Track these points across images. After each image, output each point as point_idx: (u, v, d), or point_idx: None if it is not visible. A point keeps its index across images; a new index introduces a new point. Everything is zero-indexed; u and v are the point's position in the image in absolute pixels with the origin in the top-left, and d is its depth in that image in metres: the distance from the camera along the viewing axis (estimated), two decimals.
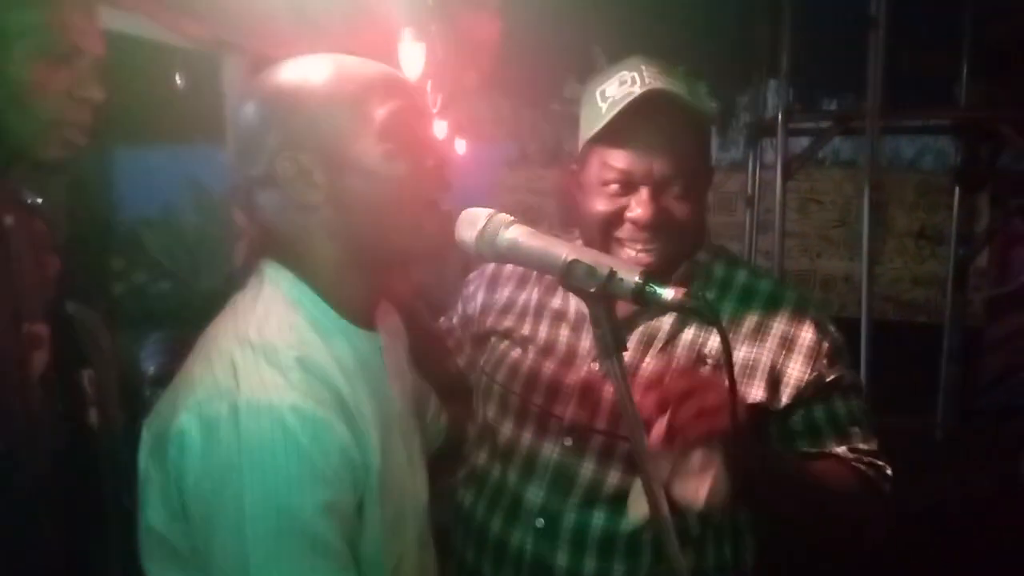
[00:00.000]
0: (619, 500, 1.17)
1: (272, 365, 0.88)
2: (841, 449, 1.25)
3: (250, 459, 0.83)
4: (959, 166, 4.85)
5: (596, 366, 1.23)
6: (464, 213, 0.95)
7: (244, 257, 2.56)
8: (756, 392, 1.20)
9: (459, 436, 1.38)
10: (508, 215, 0.93)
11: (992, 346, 4.90)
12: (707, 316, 0.84)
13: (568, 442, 1.23)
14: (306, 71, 0.96)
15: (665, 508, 0.93)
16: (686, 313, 0.85)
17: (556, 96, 5.87)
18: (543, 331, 1.31)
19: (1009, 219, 4.61)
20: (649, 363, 1.22)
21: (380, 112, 0.93)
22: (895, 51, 3.86)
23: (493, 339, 1.35)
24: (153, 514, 0.91)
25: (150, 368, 2.11)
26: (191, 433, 0.85)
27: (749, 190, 4.85)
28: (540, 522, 1.23)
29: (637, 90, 1.14)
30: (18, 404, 1.22)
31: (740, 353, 1.20)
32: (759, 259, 4.84)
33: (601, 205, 1.18)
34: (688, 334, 1.23)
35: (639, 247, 1.18)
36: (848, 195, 5.58)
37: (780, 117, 4.09)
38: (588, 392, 1.23)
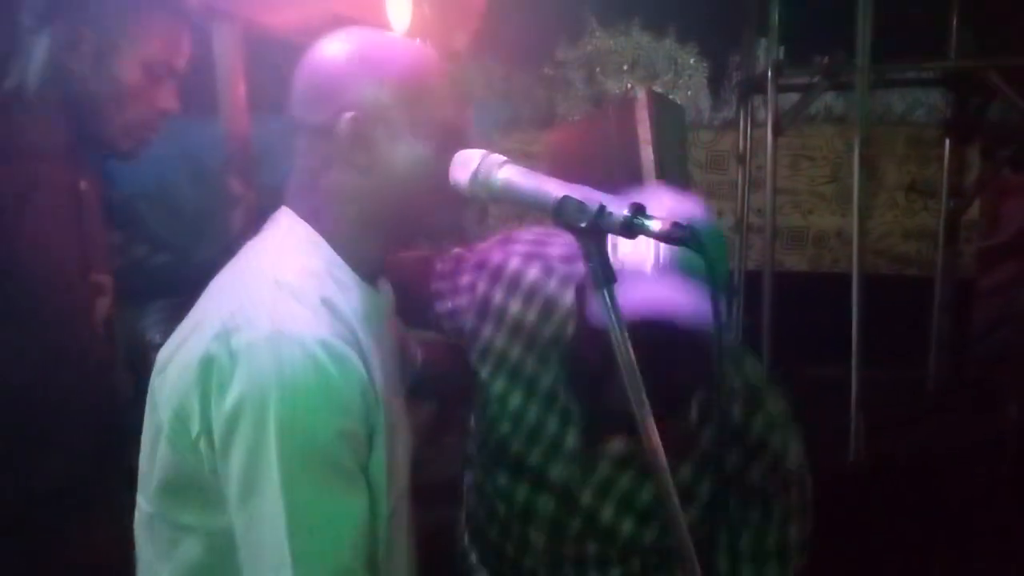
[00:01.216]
0: None
1: (299, 302, 0.95)
2: None
3: (280, 384, 0.89)
4: (949, 118, 4.86)
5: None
6: (457, 155, 0.99)
7: (240, 226, 2.58)
8: None
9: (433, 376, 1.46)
10: (501, 155, 0.97)
11: (983, 297, 4.94)
12: (693, 244, 0.87)
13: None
14: (402, 50, 1.07)
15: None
16: (673, 242, 0.88)
17: (548, 59, 5.85)
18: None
19: (999, 170, 4.62)
20: None
21: (444, 114, 1.04)
22: (884, 4, 3.85)
23: (492, 374, 1.38)
24: (168, 448, 0.97)
25: (155, 336, 2.16)
26: (221, 359, 0.91)
27: (740, 148, 4.86)
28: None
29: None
30: (84, 345, 1.37)
31: None
32: (751, 216, 4.86)
33: None
34: None
35: None
36: (839, 151, 5.57)
37: (770, 73, 4.08)
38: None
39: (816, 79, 4.24)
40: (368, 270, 1.08)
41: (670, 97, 6.54)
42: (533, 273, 1.38)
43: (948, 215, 4.86)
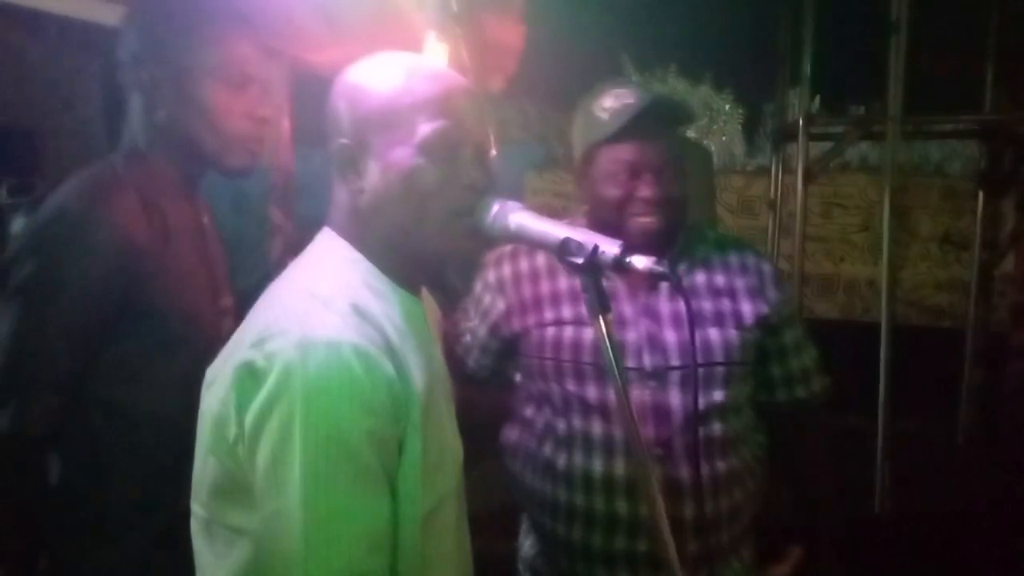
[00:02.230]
0: (708, 414, 1.50)
1: (329, 310, 0.99)
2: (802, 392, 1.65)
3: (306, 384, 0.93)
4: (983, 171, 4.85)
5: (646, 321, 1.53)
6: (479, 204, 1.11)
7: (279, 254, 2.66)
8: (760, 307, 1.57)
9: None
10: (516, 202, 1.09)
11: (1017, 352, 4.88)
12: (671, 280, 1.03)
13: (652, 383, 1.50)
14: (379, 71, 1.10)
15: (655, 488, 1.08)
16: (656, 278, 1.04)
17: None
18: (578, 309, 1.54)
19: None
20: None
21: (425, 128, 1.05)
22: (918, 55, 3.88)
23: (537, 330, 1.57)
24: (213, 456, 1.00)
25: None
26: (255, 365, 0.96)
27: (772, 194, 4.89)
28: (658, 451, 1.47)
29: (632, 101, 1.49)
30: None
31: (742, 282, 1.59)
32: (781, 262, 4.86)
33: (616, 189, 1.50)
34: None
35: (647, 219, 1.50)
36: (872, 200, 5.58)
37: (801, 122, 4.12)
38: (654, 341, 1.52)
39: (848, 128, 4.27)
40: (406, 280, 1.11)
41: (704, 143, 6.60)
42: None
43: (981, 267, 4.83)
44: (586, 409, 1.53)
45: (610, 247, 1.02)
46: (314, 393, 0.93)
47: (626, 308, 1.54)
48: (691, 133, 5.86)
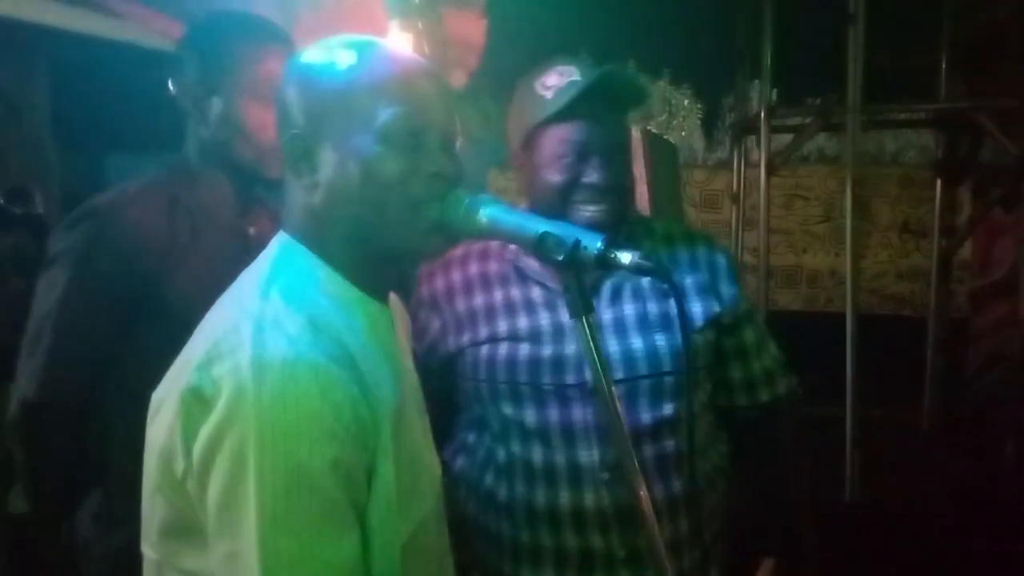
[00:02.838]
0: (658, 426, 1.36)
1: (284, 324, 0.88)
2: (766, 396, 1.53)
3: (260, 412, 0.82)
4: (941, 159, 4.92)
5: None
6: (447, 197, 1.01)
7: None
8: (712, 306, 1.43)
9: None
10: (487, 194, 1.01)
11: (977, 337, 4.96)
12: (661, 274, 0.96)
13: (594, 400, 1.34)
14: (333, 53, 0.98)
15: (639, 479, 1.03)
16: (643, 273, 0.95)
17: None
18: (523, 322, 1.41)
19: (990, 210, 4.67)
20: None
21: (384, 113, 0.94)
22: (875, 47, 3.92)
23: (471, 350, 1.42)
24: (159, 493, 0.90)
25: None
26: (201, 390, 0.85)
27: (734, 187, 4.91)
28: (605, 475, 1.35)
29: (579, 77, 1.34)
30: None
31: (691, 279, 1.44)
32: (745, 255, 4.90)
33: (560, 174, 1.35)
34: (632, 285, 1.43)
35: (593, 207, 1.35)
36: (832, 191, 5.64)
37: (763, 114, 4.14)
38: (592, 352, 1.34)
39: (808, 120, 4.30)
40: (370, 285, 1.00)
41: (664, 137, 6.62)
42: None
43: (940, 255, 4.90)
44: (524, 435, 1.38)
45: (592, 241, 0.95)
46: (268, 419, 0.82)
47: (564, 317, 1.35)
48: (652, 128, 5.87)
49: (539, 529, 1.38)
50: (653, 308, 1.40)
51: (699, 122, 7.81)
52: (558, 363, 1.37)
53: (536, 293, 1.42)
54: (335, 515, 0.86)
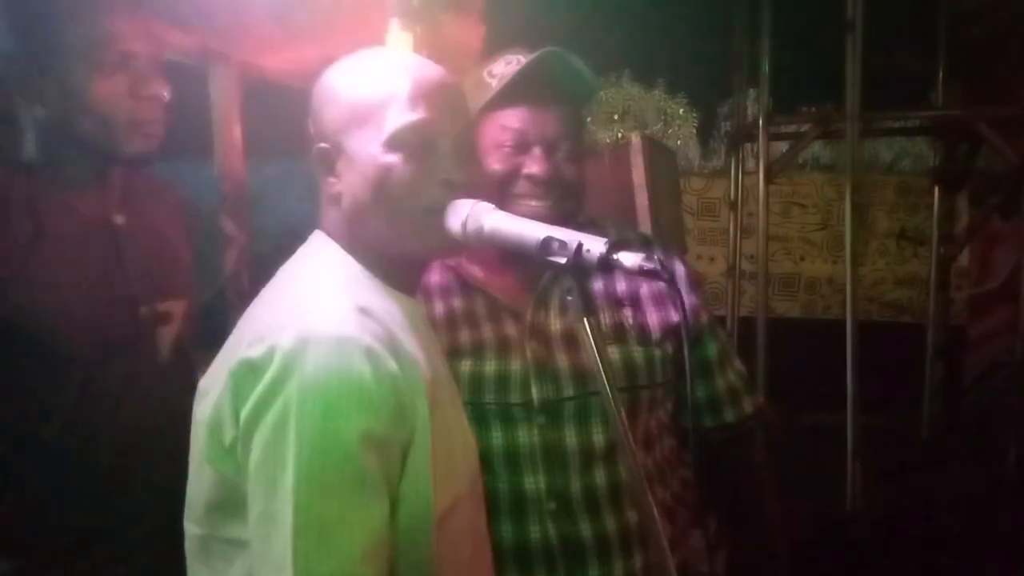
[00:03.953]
0: (611, 452, 1.27)
1: (331, 306, 0.94)
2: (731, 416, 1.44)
3: (303, 382, 0.88)
4: (938, 166, 4.91)
5: (533, 344, 1.31)
6: (451, 205, 1.04)
7: (233, 267, 2.56)
8: (670, 316, 1.36)
9: None
10: (488, 203, 1.02)
11: (976, 344, 4.94)
12: (664, 276, 0.94)
13: (542, 420, 1.28)
14: (351, 68, 1.05)
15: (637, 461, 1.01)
16: (646, 275, 0.93)
17: None
18: (464, 336, 1.33)
19: (988, 218, 4.66)
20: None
21: (394, 122, 1.00)
22: (872, 54, 3.91)
23: None
24: (209, 466, 0.95)
25: None
26: (252, 363, 0.91)
27: (732, 195, 4.90)
28: (552, 505, 1.27)
29: (525, 62, 1.28)
30: (147, 378, 1.41)
31: (647, 288, 1.37)
32: (743, 263, 4.88)
33: (498, 164, 1.29)
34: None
35: (534, 202, 1.28)
36: (829, 198, 5.64)
37: (760, 121, 4.13)
38: (543, 368, 1.29)
39: (805, 128, 4.28)
40: (398, 283, 1.06)
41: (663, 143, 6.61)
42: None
43: (939, 262, 4.89)
44: (490, 460, 1.26)
45: (595, 244, 0.94)
46: (311, 389, 0.88)
47: (510, 329, 1.31)
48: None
49: (506, 569, 1.27)
50: (605, 320, 1.33)
51: (694, 130, 7.81)
52: (502, 380, 1.29)
53: (479, 304, 1.35)
54: (367, 484, 0.91)
